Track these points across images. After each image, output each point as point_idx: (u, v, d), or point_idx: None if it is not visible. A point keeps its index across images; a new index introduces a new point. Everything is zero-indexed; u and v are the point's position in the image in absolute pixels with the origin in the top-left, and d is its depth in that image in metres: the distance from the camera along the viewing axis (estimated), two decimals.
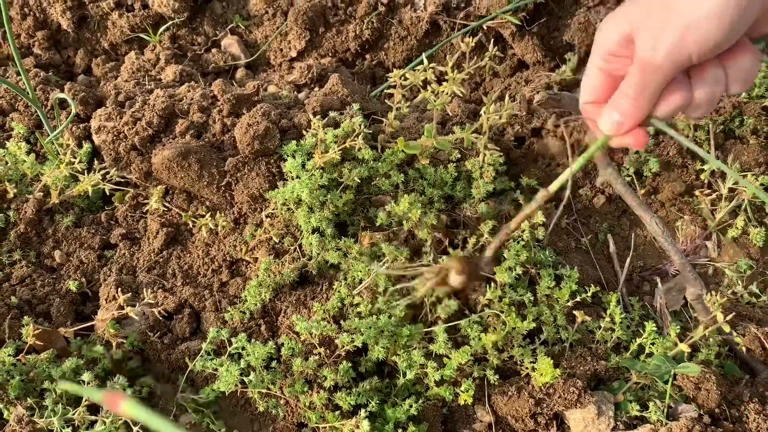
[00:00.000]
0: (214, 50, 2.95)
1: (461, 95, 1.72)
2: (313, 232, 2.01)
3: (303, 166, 2.08)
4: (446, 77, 1.88)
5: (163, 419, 0.53)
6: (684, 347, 1.84)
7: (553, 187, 1.11)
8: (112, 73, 2.87)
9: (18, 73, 2.74)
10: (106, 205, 2.34)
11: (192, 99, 2.38)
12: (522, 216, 1.13)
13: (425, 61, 1.77)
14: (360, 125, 2.09)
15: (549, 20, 2.83)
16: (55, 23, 2.94)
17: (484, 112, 1.69)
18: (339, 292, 1.93)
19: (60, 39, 2.99)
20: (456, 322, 1.86)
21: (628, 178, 2.32)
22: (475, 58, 1.90)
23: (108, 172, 2.21)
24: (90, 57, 2.97)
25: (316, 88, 2.72)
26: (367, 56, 2.96)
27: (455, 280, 1.17)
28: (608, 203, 2.33)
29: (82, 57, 2.95)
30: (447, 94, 1.73)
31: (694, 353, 1.94)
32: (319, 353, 1.80)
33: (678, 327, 1.89)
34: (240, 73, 2.91)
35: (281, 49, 2.95)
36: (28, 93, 2.05)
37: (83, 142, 2.36)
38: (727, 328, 1.87)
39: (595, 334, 1.96)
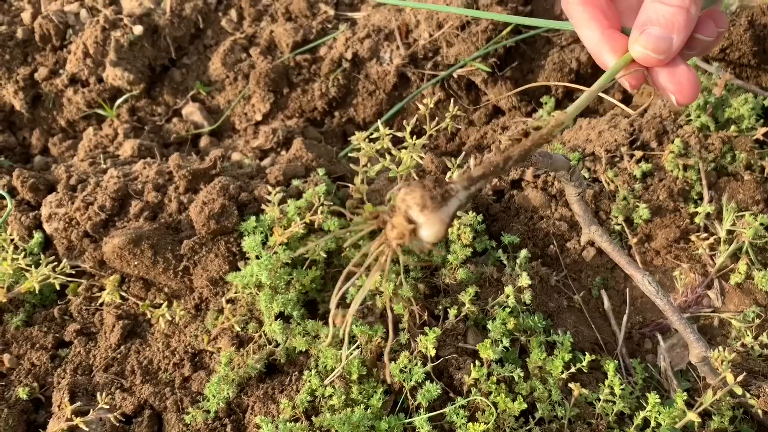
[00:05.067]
0: (175, 119, 2.81)
1: (421, 161, 1.57)
2: (276, 318, 1.84)
3: (264, 243, 1.92)
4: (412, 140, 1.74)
5: None
6: (694, 417, 1.66)
7: (572, 110, 0.81)
8: (70, 152, 2.73)
9: None
10: (60, 298, 2.16)
11: (148, 177, 2.23)
12: (525, 147, 0.79)
13: (381, 128, 1.62)
14: (321, 196, 1.93)
15: (522, 63, 2.70)
16: (8, 105, 2.81)
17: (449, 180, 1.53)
18: (309, 382, 1.75)
19: (14, 120, 2.86)
20: (440, 411, 1.67)
21: (618, 227, 2.16)
22: (437, 118, 1.76)
23: (58, 264, 2.05)
24: (47, 136, 2.84)
25: (283, 152, 2.58)
26: (336, 114, 2.83)
27: (423, 219, 0.69)
28: (599, 255, 2.17)
29: (38, 137, 2.82)
30: (409, 160, 1.58)
31: (706, 421, 1.75)
32: None
33: (685, 393, 1.71)
34: (204, 142, 2.77)
35: (246, 113, 2.82)
36: None
37: (34, 231, 2.20)
38: (739, 391, 1.69)
39: (595, 407, 1.77)
